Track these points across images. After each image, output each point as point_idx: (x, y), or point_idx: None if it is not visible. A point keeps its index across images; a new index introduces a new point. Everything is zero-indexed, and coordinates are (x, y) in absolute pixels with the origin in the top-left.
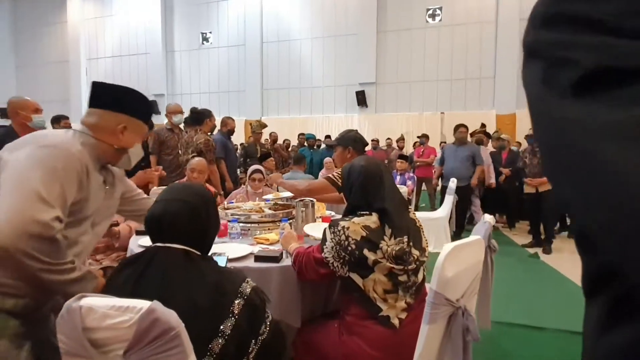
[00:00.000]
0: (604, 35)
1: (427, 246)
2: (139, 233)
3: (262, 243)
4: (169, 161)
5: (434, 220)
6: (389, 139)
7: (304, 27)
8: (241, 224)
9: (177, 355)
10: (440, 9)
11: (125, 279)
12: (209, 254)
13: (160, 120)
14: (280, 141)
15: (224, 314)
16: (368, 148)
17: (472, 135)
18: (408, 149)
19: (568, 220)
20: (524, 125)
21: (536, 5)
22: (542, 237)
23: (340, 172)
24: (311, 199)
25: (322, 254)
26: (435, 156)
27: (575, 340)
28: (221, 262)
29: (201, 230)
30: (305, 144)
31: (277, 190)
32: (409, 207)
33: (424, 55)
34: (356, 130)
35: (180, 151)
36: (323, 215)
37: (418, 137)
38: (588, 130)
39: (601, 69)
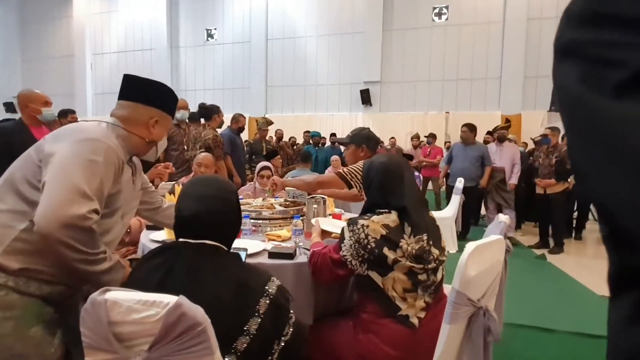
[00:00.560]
0: None
1: (445, 245)
2: (149, 228)
3: (274, 240)
4: (176, 157)
5: (440, 220)
6: (392, 138)
7: (310, 24)
8: (252, 220)
9: (203, 351)
10: (447, 7)
11: (151, 271)
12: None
13: None
14: (285, 139)
15: (250, 313)
16: None
17: (494, 131)
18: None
19: (574, 223)
20: (529, 126)
21: (571, 4)
22: (550, 238)
23: (351, 169)
24: (322, 196)
25: (340, 253)
26: (442, 157)
27: (584, 342)
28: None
29: (231, 225)
30: (311, 141)
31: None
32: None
33: (429, 54)
34: (369, 128)
35: (186, 147)
36: (332, 212)
37: (425, 136)
38: (636, 130)
39: None
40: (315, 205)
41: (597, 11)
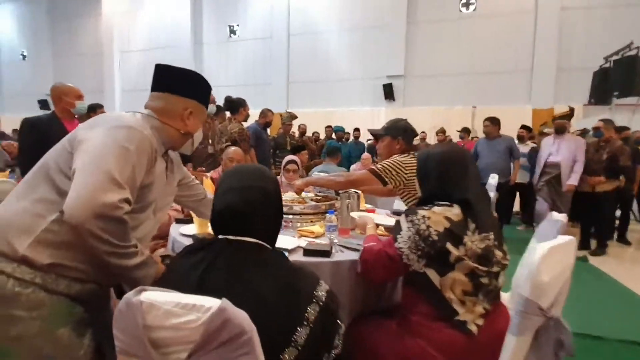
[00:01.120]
0: None
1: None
2: (178, 221)
3: (306, 236)
4: (200, 150)
5: None
6: (423, 132)
7: (332, 19)
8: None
9: None
10: None
11: (189, 269)
12: None
13: None
14: (308, 134)
15: (298, 321)
16: None
17: (553, 121)
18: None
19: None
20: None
21: None
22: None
23: (385, 165)
24: (356, 190)
25: (396, 244)
26: None
27: (636, 350)
28: None
29: (271, 218)
30: (333, 136)
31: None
32: None
33: (457, 46)
34: (406, 119)
35: (210, 140)
36: (365, 207)
37: (458, 131)
38: None
39: None
40: (348, 200)
41: None
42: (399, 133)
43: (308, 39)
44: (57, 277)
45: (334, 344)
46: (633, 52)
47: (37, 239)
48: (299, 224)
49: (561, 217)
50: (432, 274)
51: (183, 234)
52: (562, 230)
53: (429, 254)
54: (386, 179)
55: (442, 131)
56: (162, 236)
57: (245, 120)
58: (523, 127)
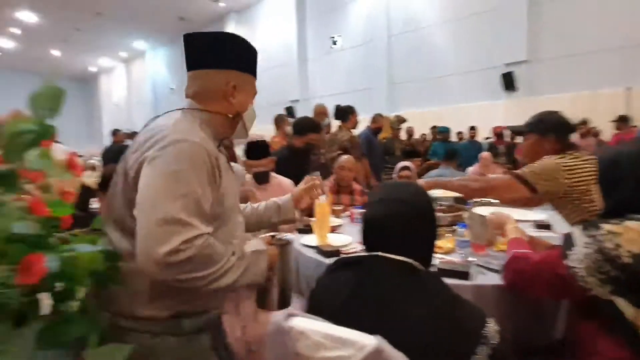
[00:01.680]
0: None
1: None
2: (299, 231)
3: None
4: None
5: None
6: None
7: (433, 11)
8: None
9: None
10: None
11: (336, 287)
12: None
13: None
14: (416, 136)
15: None
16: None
17: None
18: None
19: None
20: None
21: None
22: None
23: (533, 168)
24: (490, 199)
25: (566, 263)
26: None
27: None
28: None
29: (421, 237)
30: (438, 137)
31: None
32: None
33: (600, 16)
34: (559, 112)
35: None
36: None
37: (613, 120)
38: None
39: None
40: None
41: None
42: (550, 128)
43: (409, 37)
44: (180, 319)
45: None
46: None
47: (149, 295)
48: None
49: None
50: (622, 304)
51: (305, 244)
52: None
53: (618, 279)
54: (536, 186)
55: (583, 122)
56: None
57: (355, 127)
58: None
